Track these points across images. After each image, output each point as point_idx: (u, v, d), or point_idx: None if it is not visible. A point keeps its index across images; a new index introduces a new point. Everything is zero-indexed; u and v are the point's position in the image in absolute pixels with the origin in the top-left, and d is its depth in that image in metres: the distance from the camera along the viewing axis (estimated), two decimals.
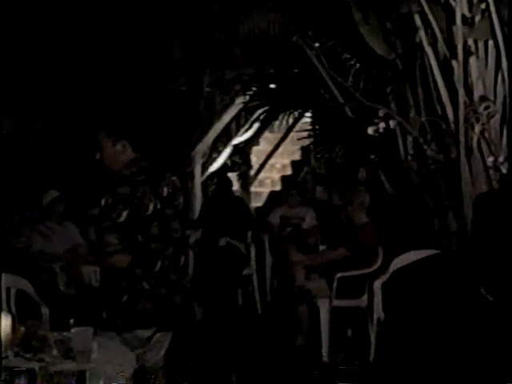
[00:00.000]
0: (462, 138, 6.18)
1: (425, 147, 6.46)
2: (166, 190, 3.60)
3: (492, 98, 6.26)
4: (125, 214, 3.49)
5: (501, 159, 6.19)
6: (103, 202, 3.58)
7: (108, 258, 3.54)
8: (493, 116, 6.24)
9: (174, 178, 3.70)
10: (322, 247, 6.94)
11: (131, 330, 3.49)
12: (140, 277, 3.52)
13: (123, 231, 3.49)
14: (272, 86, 8.10)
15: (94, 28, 8.07)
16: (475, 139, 6.23)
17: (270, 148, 10.79)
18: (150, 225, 3.52)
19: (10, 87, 7.15)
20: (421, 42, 6.30)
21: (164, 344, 3.67)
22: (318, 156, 9.43)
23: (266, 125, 10.18)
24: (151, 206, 3.52)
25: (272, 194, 10.07)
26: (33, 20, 7.89)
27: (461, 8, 6.06)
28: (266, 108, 8.30)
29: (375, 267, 5.66)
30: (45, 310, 4.66)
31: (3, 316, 3.14)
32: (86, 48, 8.09)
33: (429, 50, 6.29)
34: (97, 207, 3.63)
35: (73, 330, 3.10)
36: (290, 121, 8.73)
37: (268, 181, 10.84)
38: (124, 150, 3.70)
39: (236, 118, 10.24)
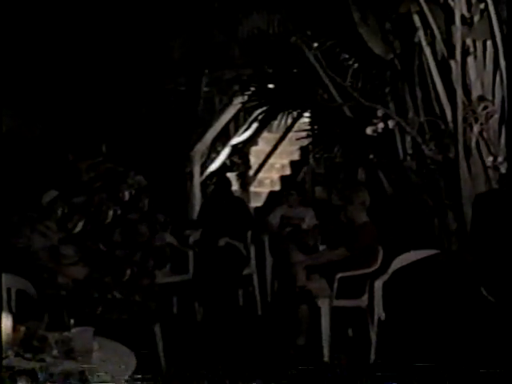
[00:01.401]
0: (460, 138, 6.19)
1: (423, 147, 6.47)
2: (127, 193, 3.50)
3: (490, 97, 6.27)
4: (81, 224, 3.43)
5: (500, 159, 6.19)
6: (59, 212, 3.52)
7: (65, 269, 3.49)
8: (491, 116, 6.24)
9: (139, 177, 3.59)
10: (322, 247, 6.93)
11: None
12: (110, 286, 3.46)
13: (80, 242, 3.42)
14: (271, 86, 8.10)
15: (94, 28, 8.06)
16: (474, 139, 6.23)
17: (268, 148, 10.79)
18: (112, 232, 3.43)
19: (9, 87, 7.14)
20: (419, 41, 6.31)
21: None
22: (317, 156, 9.44)
23: (264, 125, 10.18)
24: (110, 213, 3.44)
25: (271, 194, 10.07)
26: (33, 20, 7.88)
27: (460, 8, 6.06)
28: (265, 108, 8.30)
29: (375, 267, 5.65)
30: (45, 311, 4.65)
31: (3, 316, 3.14)
32: (85, 48, 8.08)
33: (427, 49, 6.30)
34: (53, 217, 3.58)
35: (73, 330, 3.10)
36: (289, 121, 8.72)
37: (267, 181, 10.84)
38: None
39: (235, 118, 10.23)
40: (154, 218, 3.70)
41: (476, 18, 6.16)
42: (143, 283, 3.54)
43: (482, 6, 6.12)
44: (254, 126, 10.27)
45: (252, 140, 10.64)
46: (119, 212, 3.44)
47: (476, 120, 6.20)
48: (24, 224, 6.43)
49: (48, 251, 4.36)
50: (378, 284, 5.46)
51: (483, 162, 6.26)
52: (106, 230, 3.40)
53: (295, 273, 5.86)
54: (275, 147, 10.71)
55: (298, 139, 9.07)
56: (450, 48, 6.17)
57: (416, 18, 6.27)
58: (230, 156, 10.38)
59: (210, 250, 7.25)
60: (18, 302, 4.59)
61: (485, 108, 6.20)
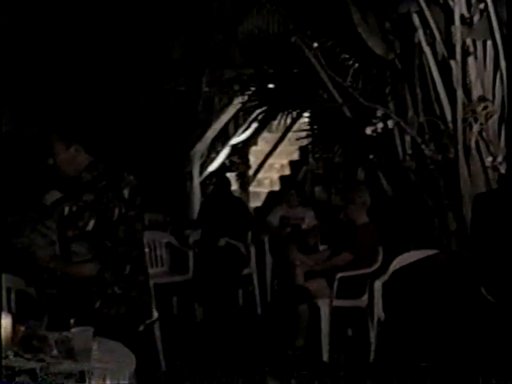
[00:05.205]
0: (460, 138, 6.19)
1: (423, 147, 6.47)
2: (126, 191, 3.51)
3: (490, 97, 6.27)
4: (92, 222, 3.43)
5: (499, 159, 6.20)
6: (67, 210, 3.52)
7: (76, 267, 3.50)
8: (491, 116, 6.24)
9: (131, 177, 3.60)
10: (322, 247, 6.93)
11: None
12: (110, 281, 3.47)
13: (91, 239, 3.44)
14: (271, 85, 8.10)
15: (94, 29, 8.06)
16: (473, 139, 6.23)
17: (268, 148, 10.81)
18: (117, 229, 3.44)
19: (9, 87, 7.15)
20: (419, 42, 6.31)
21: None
22: (317, 156, 9.45)
23: (264, 125, 10.20)
24: (117, 211, 3.44)
25: (271, 194, 10.09)
26: (33, 20, 7.89)
27: (459, 8, 6.06)
28: (265, 108, 8.30)
29: (375, 267, 5.65)
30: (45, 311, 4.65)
31: (3, 316, 3.13)
32: (85, 49, 8.09)
33: (427, 50, 6.30)
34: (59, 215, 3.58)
35: (73, 330, 3.10)
36: (289, 121, 8.73)
37: (267, 181, 10.86)
38: (77, 154, 3.59)
39: (234, 118, 10.25)
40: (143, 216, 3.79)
41: (476, 18, 6.16)
42: (139, 279, 3.57)
43: (481, 6, 6.12)
44: (254, 126, 10.29)
45: (251, 140, 10.67)
46: (123, 210, 3.46)
47: (476, 120, 6.20)
48: (24, 224, 6.42)
49: (54, 250, 4.34)
50: (378, 284, 5.46)
51: (483, 162, 6.26)
52: (111, 227, 3.42)
53: (294, 273, 5.85)
54: (275, 147, 10.73)
55: (297, 139, 9.08)
56: (450, 48, 6.17)
57: (416, 18, 6.27)
58: (229, 156, 10.39)
59: (210, 250, 7.26)
60: (17, 301, 4.59)
61: (485, 108, 6.20)
